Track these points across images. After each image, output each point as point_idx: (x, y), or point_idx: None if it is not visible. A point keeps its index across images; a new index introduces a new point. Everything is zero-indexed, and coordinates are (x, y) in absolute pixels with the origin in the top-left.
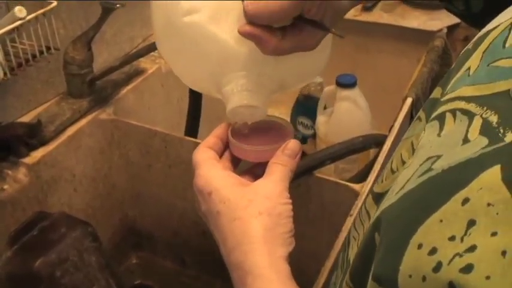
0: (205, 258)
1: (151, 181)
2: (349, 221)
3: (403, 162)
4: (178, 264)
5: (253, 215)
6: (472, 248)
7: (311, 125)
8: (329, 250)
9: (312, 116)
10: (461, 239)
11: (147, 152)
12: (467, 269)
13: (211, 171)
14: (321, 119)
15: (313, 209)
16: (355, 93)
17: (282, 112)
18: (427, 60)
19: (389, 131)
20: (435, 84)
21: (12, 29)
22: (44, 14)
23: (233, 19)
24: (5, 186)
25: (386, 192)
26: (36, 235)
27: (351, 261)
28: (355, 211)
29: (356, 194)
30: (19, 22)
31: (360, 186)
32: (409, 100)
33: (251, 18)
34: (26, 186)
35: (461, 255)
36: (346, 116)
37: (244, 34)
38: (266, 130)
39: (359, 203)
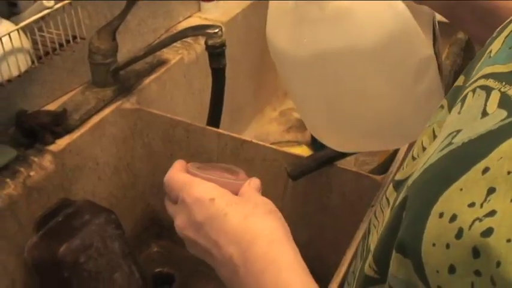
0: None
1: None
2: (370, 212)
3: (424, 149)
4: None
5: (264, 213)
6: (491, 213)
7: None
8: (350, 240)
9: None
10: (481, 205)
11: (169, 141)
12: (488, 232)
13: (205, 182)
14: None
15: (334, 199)
16: None
17: None
18: (450, 53)
19: None
20: (458, 77)
21: (40, 18)
22: (70, 3)
23: None
24: (31, 173)
25: (407, 179)
26: (61, 221)
27: (373, 247)
28: (376, 202)
29: (377, 185)
30: (47, 11)
31: (382, 177)
32: None
33: None
34: (51, 173)
35: (481, 220)
36: None
37: None
38: (221, 172)
39: (380, 193)
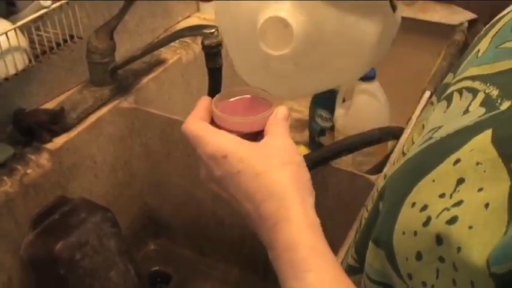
0: (223, 247)
1: (171, 169)
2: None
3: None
4: (196, 253)
5: (277, 166)
6: (459, 203)
7: (329, 118)
8: (343, 240)
9: (331, 109)
10: (451, 196)
11: (167, 140)
12: (452, 220)
13: (218, 136)
14: (339, 111)
15: (329, 199)
16: (374, 86)
17: (302, 104)
18: (447, 54)
19: (407, 123)
20: None
21: (38, 17)
22: (67, 3)
23: None
24: (28, 171)
25: None
26: (58, 219)
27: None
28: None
29: (372, 185)
30: (44, 10)
31: (376, 177)
32: (427, 93)
33: None
34: (48, 171)
35: (448, 209)
36: (364, 109)
37: None
38: (247, 102)
39: (375, 190)
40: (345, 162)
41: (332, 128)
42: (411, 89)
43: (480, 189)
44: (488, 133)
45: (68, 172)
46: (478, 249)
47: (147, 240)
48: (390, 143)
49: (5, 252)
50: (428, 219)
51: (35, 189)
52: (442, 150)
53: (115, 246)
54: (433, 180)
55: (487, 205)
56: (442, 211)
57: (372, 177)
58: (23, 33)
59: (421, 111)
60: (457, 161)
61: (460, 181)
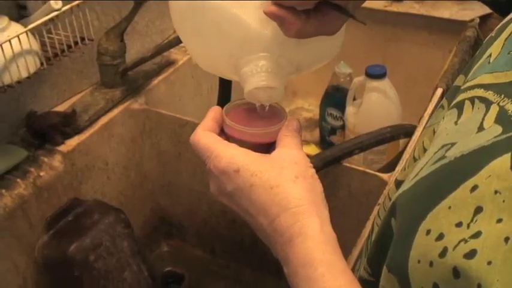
0: (234, 247)
1: (182, 170)
2: (376, 210)
3: (425, 150)
4: (208, 253)
5: (290, 179)
6: (477, 234)
7: (340, 116)
8: (356, 239)
9: (341, 107)
10: (468, 226)
11: (178, 141)
12: (471, 254)
13: (229, 150)
14: (350, 110)
15: (341, 198)
16: (384, 84)
17: (312, 103)
18: (458, 51)
19: (419, 121)
20: None
21: (48, 20)
22: (78, 5)
23: (256, 2)
24: (41, 173)
25: None
26: (71, 221)
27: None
28: (382, 200)
29: (384, 183)
30: (55, 13)
31: (388, 176)
32: (439, 90)
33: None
34: (61, 173)
35: (466, 241)
36: (375, 107)
37: (269, 14)
38: (258, 111)
39: (387, 192)
40: (356, 161)
41: (343, 127)
42: (423, 86)
43: (499, 220)
44: (506, 158)
45: (80, 174)
46: (498, 286)
47: (160, 240)
48: (402, 141)
49: (20, 254)
50: (445, 250)
51: (48, 192)
52: (458, 174)
53: (128, 247)
54: (449, 207)
55: (506, 239)
56: (459, 242)
57: (384, 176)
58: (34, 36)
59: (433, 111)
60: (474, 187)
61: (478, 210)
